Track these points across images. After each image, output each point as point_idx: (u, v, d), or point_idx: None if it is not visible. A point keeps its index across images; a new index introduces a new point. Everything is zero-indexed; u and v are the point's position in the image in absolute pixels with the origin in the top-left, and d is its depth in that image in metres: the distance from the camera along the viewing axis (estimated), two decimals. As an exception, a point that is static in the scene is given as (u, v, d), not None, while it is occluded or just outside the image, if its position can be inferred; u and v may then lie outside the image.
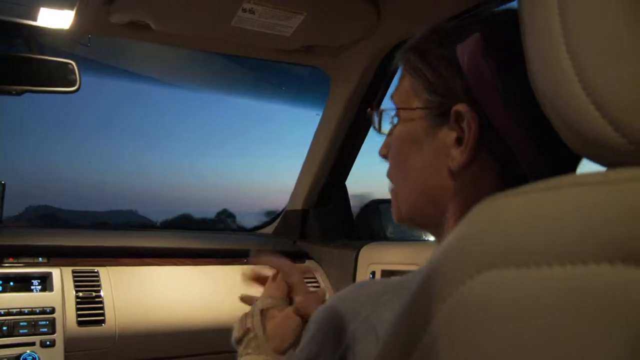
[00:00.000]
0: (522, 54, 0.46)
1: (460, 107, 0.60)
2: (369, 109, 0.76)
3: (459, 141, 0.62)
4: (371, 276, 1.61)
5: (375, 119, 0.75)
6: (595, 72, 0.34)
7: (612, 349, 0.28)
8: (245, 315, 0.96)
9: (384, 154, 0.75)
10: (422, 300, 0.37)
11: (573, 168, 0.61)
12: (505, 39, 0.59)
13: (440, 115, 0.63)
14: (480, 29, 0.61)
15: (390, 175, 0.74)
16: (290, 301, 0.99)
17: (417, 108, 0.66)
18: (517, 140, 0.59)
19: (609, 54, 0.34)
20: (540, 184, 0.34)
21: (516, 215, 0.34)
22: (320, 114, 1.93)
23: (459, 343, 0.34)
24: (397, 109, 0.70)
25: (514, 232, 0.33)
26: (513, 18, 0.63)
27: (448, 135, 0.63)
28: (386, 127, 0.74)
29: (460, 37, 0.63)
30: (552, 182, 0.33)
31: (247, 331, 0.92)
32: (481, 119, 0.60)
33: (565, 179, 0.33)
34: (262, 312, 0.95)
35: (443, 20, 1.35)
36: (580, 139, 0.36)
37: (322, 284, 1.79)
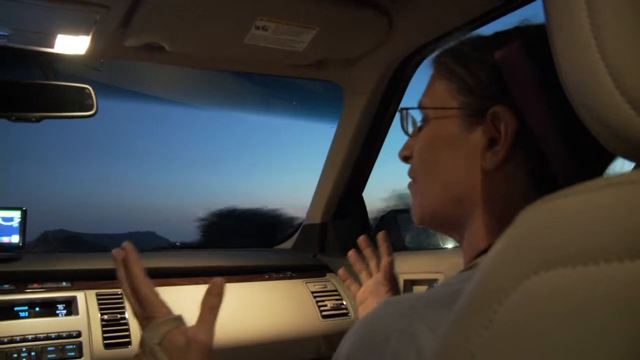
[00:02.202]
0: None
1: (498, 108, 0.62)
2: (400, 110, 0.77)
3: (492, 142, 0.63)
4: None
5: (406, 120, 0.76)
6: (628, 70, 0.35)
7: None
8: (140, 355, 0.80)
9: (405, 155, 0.77)
10: (478, 303, 0.37)
11: (601, 172, 0.61)
12: (545, 47, 0.61)
13: (475, 115, 0.65)
14: (519, 37, 0.64)
15: (414, 174, 0.75)
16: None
17: (453, 108, 0.67)
18: (552, 144, 0.60)
19: None
20: (591, 184, 0.34)
21: (569, 215, 0.34)
22: (335, 126, 1.93)
23: (518, 344, 0.34)
24: (431, 108, 0.71)
25: (569, 232, 0.33)
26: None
27: (482, 135, 0.64)
28: (413, 129, 0.75)
29: (497, 44, 0.65)
30: (602, 181, 0.33)
31: None
32: (518, 121, 0.61)
33: (615, 178, 0.33)
34: (160, 343, 0.78)
35: (454, 28, 1.37)
36: (616, 138, 0.36)
37: (345, 297, 1.78)
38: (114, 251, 0.91)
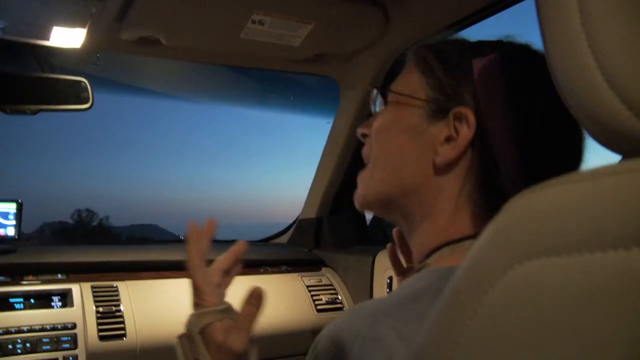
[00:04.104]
0: (531, 83, 0.58)
1: (463, 109, 0.64)
2: (372, 87, 0.77)
3: (448, 140, 0.65)
4: (388, 281, 1.61)
5: (375, 100, 0.77)
6: (618, 63, 0.35)
7: None
8: (184, 338, 0.81)
9: (364, 133, 0.77)
10: (463, 293, 0.37)
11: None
12: (520, 67, 0.65)
13: (439, 111, 0.67)
14: (498, 51, 0.66)
15: (368, 155, 0.76)
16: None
17: (420, 99, 0.68)
18: (505, 154, 0.62)
19: (631, 45, 0.34)
20: (575, 175, 0.35)
21: (554, 205, 0.34)
22: (331, 122, 1.93)
23: (503, 333, 0.34)
24: (401, 94, 0.71)
25: (553, 222, 0.34)
26: (531, 53, 0.68)
27: (441, 131, 0.66)
28: (378, 108, 0.76)
29: (478, 52, 0.67)
30: (588, 172, 0.34)
31: None
32: (478, 125, 0.63)
33: (599, 170, 0.34)
34: (202, 332, 0.80)
35: (450, 24, 1.38)
36: (605, 132, 0.37)
37: (339, 291, 1.79)
38: (189, 225, 0.89)
